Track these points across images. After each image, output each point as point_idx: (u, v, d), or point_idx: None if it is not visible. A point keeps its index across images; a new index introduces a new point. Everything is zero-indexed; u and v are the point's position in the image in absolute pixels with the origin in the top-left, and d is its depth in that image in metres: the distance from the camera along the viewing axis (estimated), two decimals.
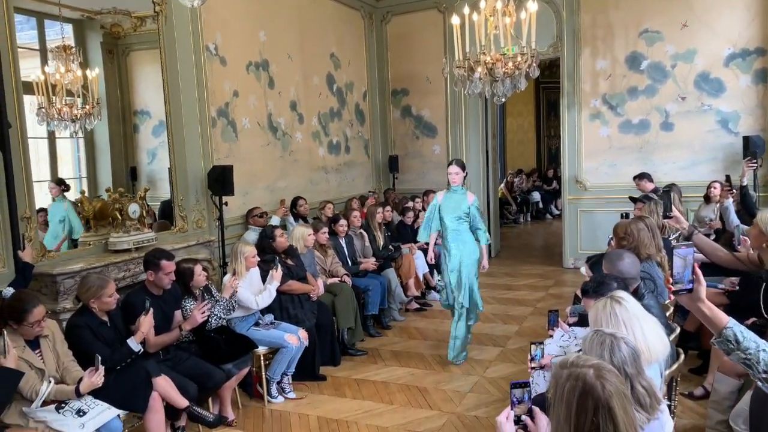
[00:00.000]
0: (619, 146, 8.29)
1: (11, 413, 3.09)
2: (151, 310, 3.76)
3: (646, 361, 2.26)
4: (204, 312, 4.09)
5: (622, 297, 2.44)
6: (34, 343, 3.26)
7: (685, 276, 2.01)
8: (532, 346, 3.30)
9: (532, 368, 3.25)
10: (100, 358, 3.27)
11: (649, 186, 7.19)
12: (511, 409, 2.15)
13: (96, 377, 3.18)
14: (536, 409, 2.14)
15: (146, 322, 3.70)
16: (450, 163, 5.39)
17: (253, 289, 4.78)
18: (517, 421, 2.16)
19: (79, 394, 3.17)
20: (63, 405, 3.16)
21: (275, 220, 6.34)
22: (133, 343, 3.62)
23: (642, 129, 8.14)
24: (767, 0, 7.29)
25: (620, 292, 2.54)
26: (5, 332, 3.04)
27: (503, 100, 5.63)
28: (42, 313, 3.22)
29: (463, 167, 5.32)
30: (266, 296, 4.78)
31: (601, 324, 2.36)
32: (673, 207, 4.14)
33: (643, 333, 2.32)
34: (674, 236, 5.70)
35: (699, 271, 2.03)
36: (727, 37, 7.53)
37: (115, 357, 3.55)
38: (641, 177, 7.30)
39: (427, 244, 5.67)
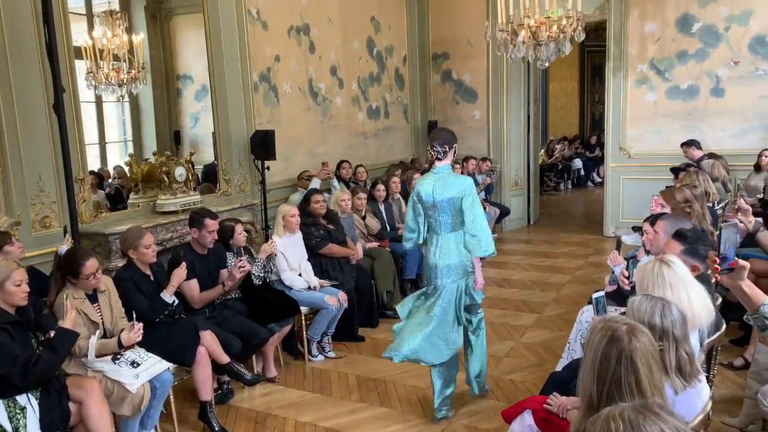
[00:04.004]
0: (665, 113, 8.04)
1: (71, 364, 3.30)
2: (184, 264, 3.91)
3: (691, 325, 2.28)
4: (242, 268, 4.20)
5: (672, 260, 2.45)
6: (92, 297, 3.45)
7: (730, 255, 2.07)
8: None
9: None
10: (134, 314, 3.44)
11: (698, 153, 6.99)
12: None
13: (133, 333, 3.32)
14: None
15: (177, 275, 3.85)
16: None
17: (294, 253, 4.88)
18: None
19: (121, 346, 3.33)
20: (119, 356, 3.34)
21: (315, 182, 6.45)
22: (166, 296, 3.79)
23: (690, 95, 7.87)
24: None
25: (670, 255, 2.55)
26: (66, 296, 3.22)
27: (546, 64, 5.53)
28: (95, 266, 3.37)
29: None
30: (300, 281, 4.85)
31: (647, 285, 2.39)
32: (741, 200, 3.96)
33: (689, 297, 2.34)
34: (720, 206, 5.57)
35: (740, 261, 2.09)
36: None
37: (153, 310, 3.73)
38: (689, 144, 7.10)
39: None
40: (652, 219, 3.68)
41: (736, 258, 2.10)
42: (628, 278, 3.49)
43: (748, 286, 2.09)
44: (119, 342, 3.32)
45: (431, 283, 3.74)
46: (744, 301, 2.12)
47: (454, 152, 3.73)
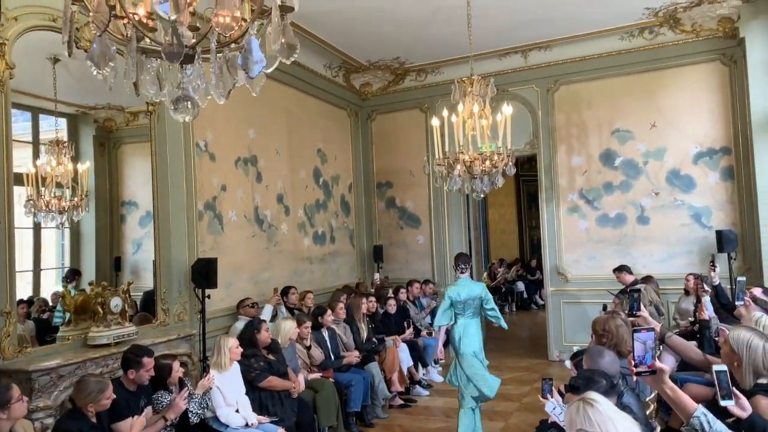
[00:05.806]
0: (597, 239, 8.48)
1: None
2: (147, 410, 3.81)
3: None
4: (185, 398, 4.09)
5: (594, 399, 2.47)
6: None
7: (647, 359, 2.16)
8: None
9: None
10: None
11: (629, 278, 7.29)
12: None
13: None
14: None
15: (138, 425, 3.67)
16: None
17: (230, 387, 4.68)
18: None
19: None
20: None
21: (268, 309, 6.34)
22: None
23: (619, 222, 8.38)
24: (729, 103, 7.76)
25: (592, 393, 2.58)
26: None
27: (482, 195, 5.83)
28: (18, 390, 3.32)
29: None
30: (237, 418, 4.63)
31: (576, 425, 2.38)
32: (641, 305, 4.12)
33: None
34: None
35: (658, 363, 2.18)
36: (693, 136, 7.94)
37: None
38: (620, 269, 7.43)
39: None
40: (579, 358, 3.75)
41: (653, 362, 2.18)
42: None
43: (672, 390, 2.15)
44: None
45: (457, 352, 5.45)
46: (676, 409, 2.17)
47: (471, 268, 6.07)
